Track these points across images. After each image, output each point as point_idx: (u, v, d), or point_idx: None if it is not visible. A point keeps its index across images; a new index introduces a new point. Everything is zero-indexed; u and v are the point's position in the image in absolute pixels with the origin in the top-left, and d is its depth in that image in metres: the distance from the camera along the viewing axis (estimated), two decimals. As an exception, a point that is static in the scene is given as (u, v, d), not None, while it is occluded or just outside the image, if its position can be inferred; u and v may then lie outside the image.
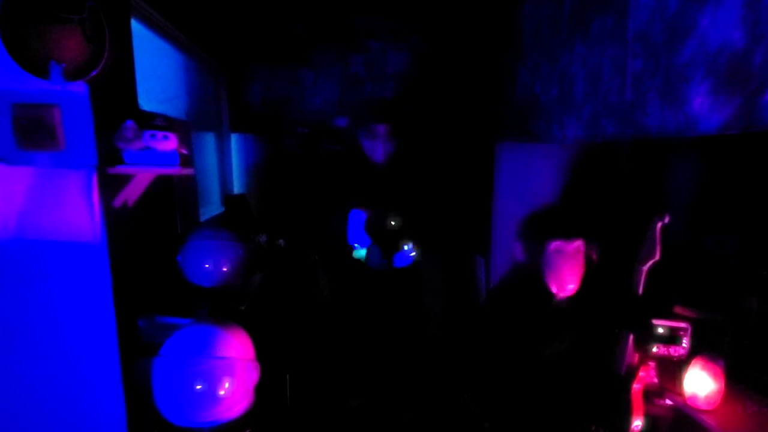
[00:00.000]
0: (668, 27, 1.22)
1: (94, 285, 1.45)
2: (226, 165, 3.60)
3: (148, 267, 1.86)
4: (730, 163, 2.01)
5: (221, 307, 1.91)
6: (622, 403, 1.64)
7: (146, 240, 1.89)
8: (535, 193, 2.56)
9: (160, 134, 1.51)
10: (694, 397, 1.58)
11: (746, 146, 1.88)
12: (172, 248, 1.96)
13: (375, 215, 2.54)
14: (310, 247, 2.96)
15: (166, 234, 2.16)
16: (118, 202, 1.56)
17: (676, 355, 1.63)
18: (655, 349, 1.63)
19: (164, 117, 1.59)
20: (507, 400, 1.93)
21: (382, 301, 2.62)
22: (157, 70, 2.35)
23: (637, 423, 1.61)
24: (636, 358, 1.68)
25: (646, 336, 1.65)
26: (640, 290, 1.62)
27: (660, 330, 1.63)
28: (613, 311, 1.81)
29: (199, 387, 1.45)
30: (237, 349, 1.54)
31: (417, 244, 2.56)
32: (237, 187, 3.70)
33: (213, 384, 1.46)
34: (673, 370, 1.67)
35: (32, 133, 1.36)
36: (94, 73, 1.34)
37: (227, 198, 3.46)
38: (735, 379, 1.64)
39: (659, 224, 1.59)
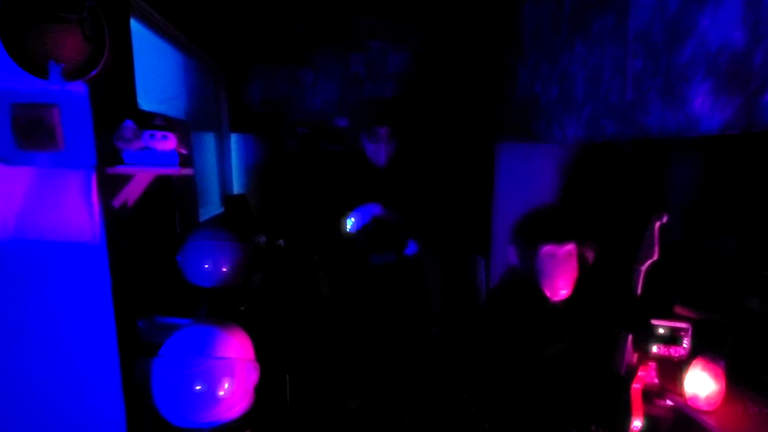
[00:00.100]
0: (669, 27, 1.22)
1: (93, 285, 1.45)
2: (225, 165, 3.59)
3: (148, 267, 1.85)
4: (731, 162, 2.01)
5: (221, 307, 1.91)
6: (621, 403, 1.64)
7: (146, 240, 1.89)
8: (535, 193, 2.56)
9: (159, 134, 1.51)
10: (694, 398, 1.58)
11: (747, 146, 1.88)
12: (171, 248, 1.96)
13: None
14: (309, 247, 2.96)
15: (166, 234, 2.16)
16: (117, 202, 1.55)
17: (677, 355, 1.63)
18: (655, 350, 1.63)
19: (164, 117, 1.58)
20: (507, 401, 1.93)
21: (383, 300, 2.62)
22: (156, 70, 2.35)
23: (637, 423, 1.60)
24: (635, 358, 1.67)
25: (646, 336, 1.64)
26: (639, 290, 1.62)
27: (660, 330, 1.63)
28: (612, 311, 1.81)
29: (198, 387, 1.44)
30: (236, 349, 1.53)
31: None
32: (237, 188, 3.69)
33: (212, 384, 1.46)
34: (673, 370, 1.67)
35: (31, 133, 1.36)
36: (93, 73, 1.34)
37: (227, 198, 3.45)
38: (736, 380, 1.63)
39: (658, 224, 1.59)
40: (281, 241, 2.76)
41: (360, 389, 2.70)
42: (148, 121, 1.52)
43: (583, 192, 2.52)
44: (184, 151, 1.61)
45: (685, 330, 1.64)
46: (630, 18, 1.39)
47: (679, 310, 1.82)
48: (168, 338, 1.52)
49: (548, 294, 1.94)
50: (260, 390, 1.60)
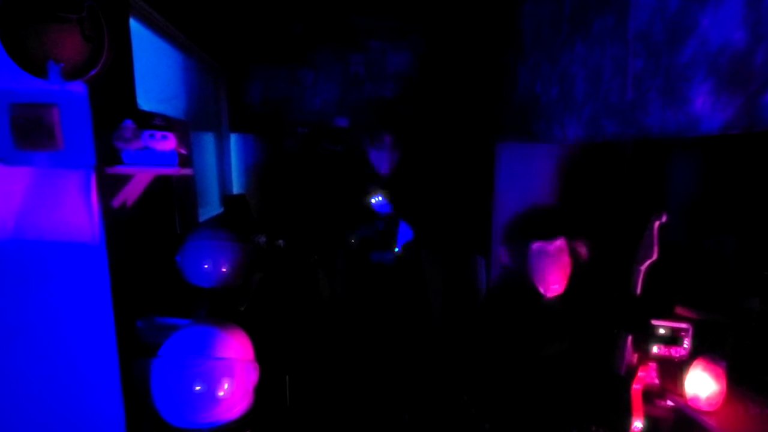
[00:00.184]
0: (669, 27, 1.22)
1: (92, 285, 1.44)
2: (225, 165, 3.59)
3: (147, 267, 1.85)
4: (731, 162, 2.01)
5: (220, 307, 1.91)
6: (622, 404, 1.64)
7: (145, 240, 1.89)
8: (535, 193, 2.56)
9: (158, 134, 1.51)
10: (695, 398, 1.57)
11: (747, 146, 1.88)
12: (171, 248, 1.95)
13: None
14: (309, 247, 2.95)
15: (165, 234, 2.15)
16: (116, 202, 1.55)
17: (677, 355, 1.63)
18: (656, 350, 1.63)
19: (163, 117, 1.58)
20: (507, 401, 1.92)
21: (383, 299, 2.62)
22: (156, 70, 2.35)
23: (638, 424, 1.60)
24: (636, 358, 1.67)
25: (646, 336, 1.64)
26: (638, 290, 1.62)
27: (661, 330, 1.63)
28: (611, 311, 1.81)
29: (198, 388, 1.44)
30: (236, 349, 1.53)
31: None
32: (236, 188, 3.69)
33: (212, 385, 1.46)
34: (674, 371, 1.66)
35: (31, 133, 1.35)
36: (92, 73, 1.33)
37: (226, 198, 3.45)
38: (737, 380, 1.63)
39: (657, 224, 1.59)
40: (281, 242, 2.76)
41: (360, 390, 2.70)
42: (148, 121, 1.52)
43: (583, 192, 2.52)
44: (183, 151, 1.61)
45: (685, 330, 1.63)
46: (630, 18, 1.38)
47: (679, 310, 1.82)
48: (167, 339, 1.52)
49: (542, 290, 1.95)
50: (260, 390, 1.59)
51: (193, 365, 1.45)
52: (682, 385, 1.61)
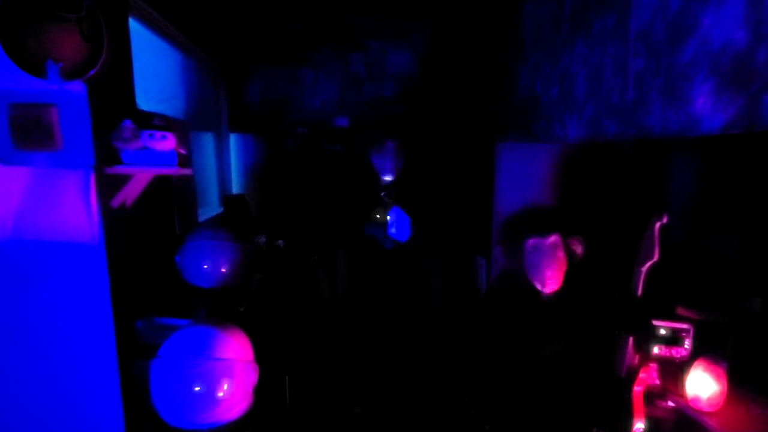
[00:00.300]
0: (670, 26, 1.22)
1: (91, 286, 1.44)
2: (224, 165, 3.59)
3: (147, 268, 1.85)
4: (732, 162, 2.01)
5: (220, 308, 1.90)
6: (622, 405, 1.63)
7: (144, 240, 1.88)
8: (535, 193, 2.55)
9: (158, 134, 1.50)
10: (696, 399, 1.57)
11: (748, 146, 1.87)
12: (170, 249, 1.95)
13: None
14: (309, 247, 2.95)
15: (165, 234, 2.15)
16: (116, 202, 1.55)
17: (678, 356, 1.63)
18: (656, 350, 1.63)
19: (162, 117, 1.58)
20: (507, 402, 1.92)
21: (384, 299, 2.62)
22: (155, 70, 2.34)
23: (639, 425, 1.60)
24: (636, 359, 1.67)
25: (647, 337, 1.64)
26: (639, 291, 1.61)
27: (662, 331, 1.63)
28: (611, 312, 1.81)
29: (197, 389, 1.44)
30: (236, 350, 1.53)
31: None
32: (236, 188, 3.69)
33: (212, 386, 1.45)
34: (675, 371, 1.66)
35: (30, 133, 1.35)
36: (91, 73, 1.33)
37: (226, 198, 3.45)
38: (738, 381, 1.63)
39: (658, 225, 1.58)
40: (280, 242, 2.75)
41: (360, 391, 2.69)
42: (147, 121, 1.51)
43: (583, 192, 2.52)
44: (182, 151, 1.60)
45: (686, 331, 1.63)
46: (631, 17, 1.38)
47: (680, 311, 1.81)
48: (167, 339, 1.52)
49: (539, 287, 1.96)
50: (259, 391, 1.59)
51: (193, 366, 1.45)
52: (683, 385, 1.61)
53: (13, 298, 1.44)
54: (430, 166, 3.06)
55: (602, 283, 2.03)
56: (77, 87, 1.35)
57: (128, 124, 1.46)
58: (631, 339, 1.68)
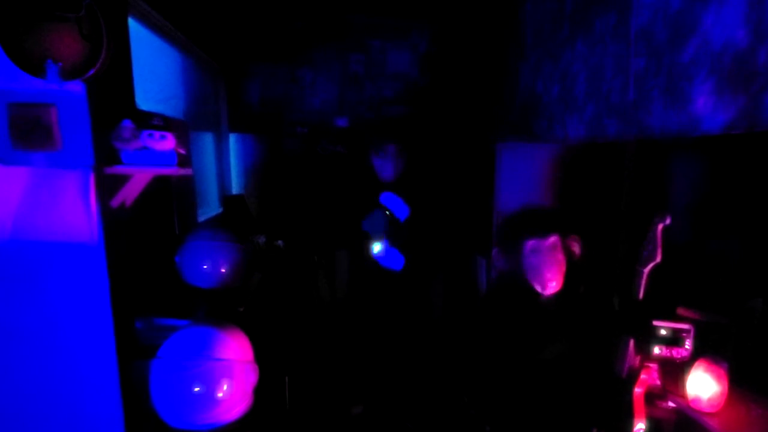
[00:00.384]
0: (671, 25, 1.21)
1: (91, 286, 1.44)
2: (224, 165, 3.58)
3: (146, 268, 1.84)
4: (734, 163, 2.00)
5: (219, 308, 1.90)
6: (623, 406, 1.63)
7: (144, 241, 1.88)
8: (536, 192, 2.55)
9: (157, 134, 1.50)
10: (697, 400, 1.57)
11: (750, 146, 1.87)
12: (170, 249, 1.95)
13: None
14: (309, 248, 2.95)
15: (164, 235, 2.15)
16: (115, 202, 1.54)
17: (679, 356, 1.62)
18: (657, 351, 1.62)
19: (162, 116, 1.57)
20: (507, 403, 1.92)
21: (384, 300, 2.61)
22: (154, 69, 2.34)
23: (640, 426, 1.59)
24: (637, 360, 1.66)
25: (648, 337, 1.63)
26: (641, 293, 1.60)
27: (663, 331, 1.62)
28: (612, 313, 1.80)
29: (197, 389, 1.43)
30: (235, 351, 1.52)
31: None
32: (235, 188, 3.68)
33: (211, 386, 1.45)
34: (675, 372, 1.66)
35: (29, 133, 1.35)
36: (91, 73, 1.32)
37: (225, 198, 3.44)
38: (739, 382, 1.62)
39: (660, 225, 1.57)
40: (280, 242, 2.75)
41: (359, 391, 2.69)
42: (147, 121, 1.51)
43: (584, 192, 2.51)
44: (182, 151, 1.60)
45: (687, 331, 1.63)
46: (632, 16, 1.38)
47: (681, 311, 1.81)
48: (166, 340, 1.51)
49: (539, 289, 1.95)
50: (259, 392, 1.59)
51: (192, 366, 1.44)
52: (683, 386, 1.61)
53: (12, 299, 1.43)
54: (430, 165, 3.05)
55: (603, 285, 2.02)
56: (76, 87, 1.35)
57: (128, 124, 1.46)
58: (631, 341, 1.67)
